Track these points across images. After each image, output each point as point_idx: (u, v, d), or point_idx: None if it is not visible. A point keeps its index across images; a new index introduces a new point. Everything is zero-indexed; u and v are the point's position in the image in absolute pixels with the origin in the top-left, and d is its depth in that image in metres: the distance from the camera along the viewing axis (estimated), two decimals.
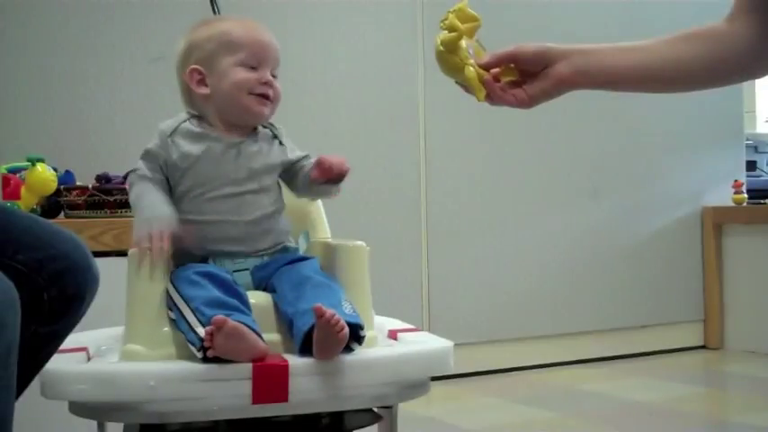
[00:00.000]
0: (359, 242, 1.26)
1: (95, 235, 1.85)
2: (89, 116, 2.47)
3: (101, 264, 1.82)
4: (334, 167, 1.22)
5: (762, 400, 2.66)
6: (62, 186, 1.95)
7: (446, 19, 1.14)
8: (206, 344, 1.05)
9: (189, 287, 1.13)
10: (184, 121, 1.27)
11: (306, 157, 1.31)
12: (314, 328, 1.08)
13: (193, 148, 1.24)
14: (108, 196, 1.92)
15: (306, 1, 2.76)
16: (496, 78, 1.13)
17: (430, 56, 2.94)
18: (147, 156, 1.27)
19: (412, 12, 2.96)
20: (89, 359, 1.18)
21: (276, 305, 1.18)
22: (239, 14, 1.31)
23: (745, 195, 3.43)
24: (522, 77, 1.14)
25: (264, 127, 1.30)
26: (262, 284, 1.23)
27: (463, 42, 1.12)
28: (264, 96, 1.26)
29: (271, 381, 1.06)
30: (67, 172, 2.06)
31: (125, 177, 1.99)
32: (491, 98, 1.14)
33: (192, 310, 1.10)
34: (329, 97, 2.78)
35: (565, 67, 1.13)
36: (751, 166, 3.72)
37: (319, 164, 1.23)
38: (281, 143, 1.30)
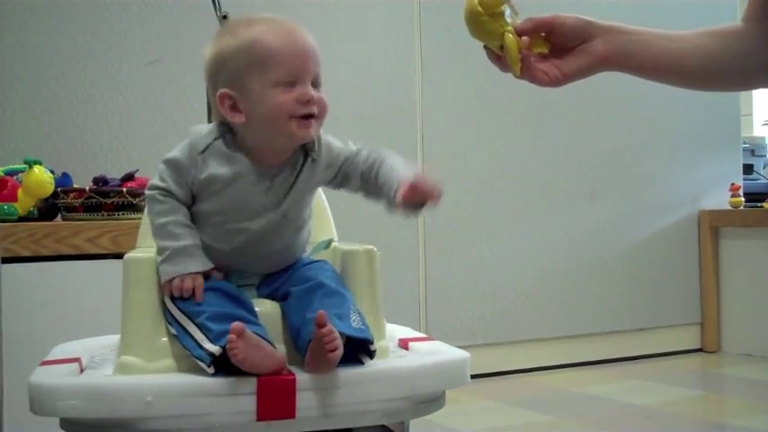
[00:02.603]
0: (369, 246, 1.19)
1: (92, 237, 1.85)
2: (86, 119, 2.47)
3: (97, 266, 1.83)
4: (428, 195, 1.09)
5: (759, 403, 2.66)
6: (59, 189, 1.95)
7: None
8: (234, 351, 0.97)
9: (191, 302, 1.07)
10: (217, 138, 1.11)
11: (358, 153, 1.18)
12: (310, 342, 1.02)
13: (223, 173, 1.10)
14: (105, 198, 1.92)
15: (304, 4, 2.76)
16: (527, 49, 1.04)
17: (428, 58, 2.97)
18: (176, 168, 1.11)
19: (410, 14, 2.97)
20: (82, 371, 1.11)
21: (284, 314, 1.11)
22: (265, 12, 1.15)
23: (742, 198, 3.44)
24: (552, 51, 1.07)
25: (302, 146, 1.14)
26: (269, 294, 1.16)
27: (504, 7, 1.02)
28: (309, 117, 1.08)
29: (277, 396, 1.00)
30: (65, 174, 2.06)
31: (123, 180, 2.01)
32: (524, 73, 1.06)
33: (198, 326, 1.04)
34: (327, 99, 2.78)
35: (604, 45, 1.07)
36: (748, 169, 3.73)
37: (412, 188, 1.08)
38: (314, 159, 1.15)
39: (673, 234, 3.45)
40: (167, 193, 1.10)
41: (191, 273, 1.07)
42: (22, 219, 1.87)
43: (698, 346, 3.47)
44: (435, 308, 2.96)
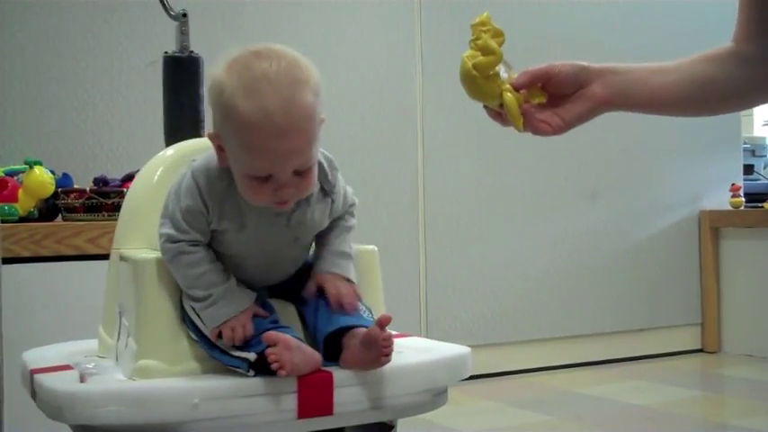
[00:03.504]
0: (370, 246, 1.20)
1: (93, 238, 1.85)
2: (86, 119, 2.47)
3: (98, 267, 1.83)
4: (341, 305, 1.05)
5: (759, 403, 2.66)
6: (60, 189, 1.95)
7: (478, 38, 1.02)
8: (275, 365, 0.94)
9: None
10: (229, 183, 1.01)
11: (343, 217, 1.12)
12: (339, 334, 1.02)
13: (235, 221, 1.03)
14: (105, 199, 1.92)
15: (304, 4, 2.76)
16: (525, 101, 1.05)
17: (428, 59, 2.97)
18: (196, 215, 1.02)
19: (410, 15, 2.97)
20: (82, 379, 1.05)
21: (299, 314, 1.10)
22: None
23: (743, 199, 3.44)
24: (551, 100, 1.07)
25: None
26: (281, 295, 1.12)
27: (498, 66, 1.03)
28: (283, 203, 1.00)
29: (316, 393, 1.00)
30: (65, 175, 2.06)
31: (123, 181, 2.01)
32: (526, 127, 1.06)
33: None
34: (328, 101, 2.77)
35: (601, 89, 1.06)
36: (748, 169, 3.73)
37: (324, 291, 1.06)
38: (332, 201, 1.09)
39: (673, 234, 3.45)
40: (195, 242, 1.03)
41: (239, 313, 1.02)
42: (22, 219, 1.87)
43: (698, 347, 3.48)
44: (435, 308, 2.96)
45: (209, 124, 1.09)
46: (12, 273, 1.67)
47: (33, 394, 1.07)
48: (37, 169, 1.86)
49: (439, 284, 2.97)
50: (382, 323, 0.98)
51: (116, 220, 1.88)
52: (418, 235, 2.96)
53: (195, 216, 1.02)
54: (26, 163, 1.88)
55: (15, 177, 1.91)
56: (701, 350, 3.47)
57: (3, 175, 1.92)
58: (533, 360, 3.11)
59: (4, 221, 1.81)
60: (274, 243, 1.06)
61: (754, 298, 3.34)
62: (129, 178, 2.02)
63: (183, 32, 1.91)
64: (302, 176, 0.99)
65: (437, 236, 2.98)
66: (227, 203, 1.02)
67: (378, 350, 0.99)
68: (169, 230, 1.03)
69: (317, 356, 1.00)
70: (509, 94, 1.03)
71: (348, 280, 1.09)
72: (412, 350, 1.16)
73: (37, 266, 1.79)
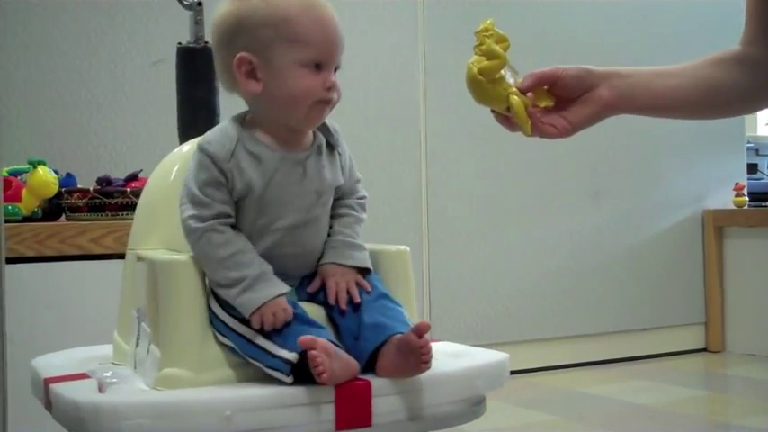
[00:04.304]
0: (401, 246, 1.13)
1: (96, 238, 1.85)
2: (90, 119, 2.48)
3: (102, 267, 1.83)
4: (335, 299, 1.04)
5: (763, 403, 2.65)
6: (63, 189, 1.95)
7: (482, 44, 1.03)
8: (319, 369, 0.90)
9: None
10: (238, 140, 1.02)
11: (353, 189, 1.12)
12: (385, 345, 0.96)
13: (257, 174, 1.01)
14: (109, 199, 1.92)
15: None
16: (532, 105, 1.06)
17: (431, 57, 2.97)
18: (216, 186, 1.01)
19: (413, 13, 2.97)
20: (101, 389, 0.99)
21: (330, 318, 1.04)
22: None
23: (746, 198, 3.44)
24: (557, 103, 1.07)
25: (319, 129, 1.09)
26: (309, 298, 1.07)
27: (504, 70, 1.03)
28: (328, 103, 1.03)
29: (354, 403, 0.94)
30: (69, 174, 2.06)
31: (127, 181, 2.01)
32: (533, 130, 1.06)
33: (263, 335, 0.96)
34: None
35: (608, 92, 1.07)
36: (752, 168, 3.72)
37: (326, 285, 1.05)
38: (339, 153, 1.10)
39: (677, 234, 3.45)
40: (222, 218, 1.01)
41: (277, 296, 0.98)
42: (26, 219, 1.87)
43: (702, 346, 3.47)
44: (439, 308, 2.96)
45: (224, 119, 1.07)
46: (15, 272, 1.67)
47: (48, 404, 1.02)
48: (40, 169, 1.87)
49: (442, 284, 2.97)
50: (421, 331, 0.94)
51: (120, 219, 1.90)
52: (421, 235, 2.96)
53: (214, 186, 1.00)
54: (30, 163, 1.88)
55: (19, 177, 1.91)
56: (704, 349, 3.47)
57: (6, 174, 1.93)
58: (536, 360, 3.11)
59: (7, 221, 1.81)
60: (299, 198, 1.04)
61: (758, 297, 3.33)
62: (132, 178, 2.02)
63: (198, 22, 1.81)
64: (337, 83, 1.03)
65: (440, 235, 2.98)
66: (243, 160, 1.01)
67: (417, 357, 0.94)
68: (192, 211, 1.00)
69: (354, 364, 0.95)
70: (516, 97, 1.03)
71: (359, 270, 1.06)
72: (446, 356, 1.10)
73: (40, 266, 1.79)
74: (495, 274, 3.06)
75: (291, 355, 0.93)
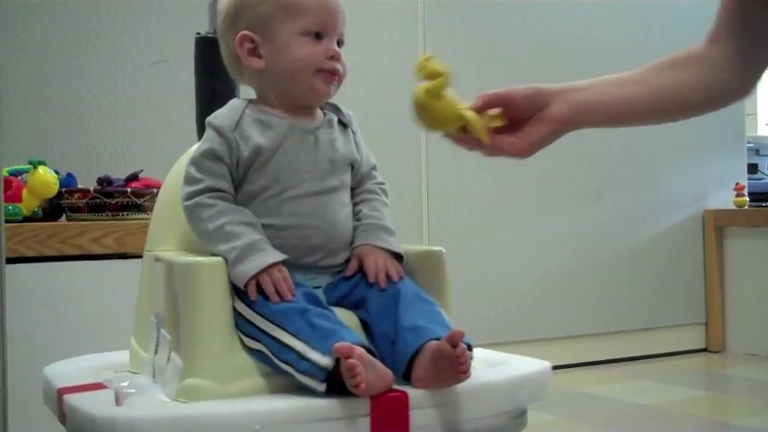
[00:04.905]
0: (436, 247, 1.09)
1: (97, 238, 1.85)
2: (90, 119, 2.48)
3: (102, 267, 1.83)
4: (375, 278, 1.00)
5: (763, 403, 2.65)
6: (63, 189, 1.95)
7: (423, 68, 1.02)
8: (357, 379, 0.84)
9: (280, 309, 0.92)
10: (244, 110, 1.02)
11: (371, 174, 1.12)
12: (420, 353, 0.90)
13: (265, 140, 1.00)
14: (109, 199, 1.92)
15: None
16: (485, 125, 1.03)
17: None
18: (213, 159, 0.99)
19: (414, 12, 2.97)
20: (118, 400, 0.94)
21: (363, 323, 0.99)
22: None
23: (747, 198, 3.43)
24: (510, 124, 1.05)
25: (329, 109, 1.08)
26: (337, 301, 1.02)
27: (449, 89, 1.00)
28: (332, 73, 1.02)
29: (391, 416, 0.87)
30: (69, 175, 2.06)
31: (127, 181, 2.01)
32: (491, 148, 1.04)
33: (294, 335, 0.89)
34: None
35: (562, 107, 1.04)
36: (752, 168, 3.72)
37: (363, 266, 1.01)
38: (353, 131, 1.10)
39: (677, 234, 3.44)
40: (212, 191, 0.98)
41: (272, 264, 0.94)
42: (26, 219, 1.87)
43: (702, 346, 3.47)
44: None
45: None
46: (16, 272, 1.67)
47: (62, 417, 0.96)
48: (41, 169, 1.87)
49: None
50: (455, 340, 0.87)
51: (120, 219, 1.90)
52: (422, 235, 2.95)
53: (211, 159, 0.99)
54: (30, 163, 1.88)
55: (19, 177, 1.91)
56: (704, 350, 3.46)
57: (7, 175, 1.93)
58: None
59: (8, 221, 1.81)
60: (312, 166, 1.02)
61: (759, 297, 3.33)
62: (133, 178, 2.03)
63: (216, 12, 1.81)
64: (341, 54, 1.03)
65: (441, 235, 2.98)
66: (250, 128, 1.00)
67: (454, 367, 0.88)
68: (185, 189, 0.99)
69: (389, 374, 0.89)
70: (470, 111, 1.01)
71: (393, 254, 1.03)
72: (484, 364, 1.04)
73: (41, 266, 1.79)
74: (496, 274, 3.06)
75: (326, 361, 0.86)
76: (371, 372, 0.86)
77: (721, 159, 3.56)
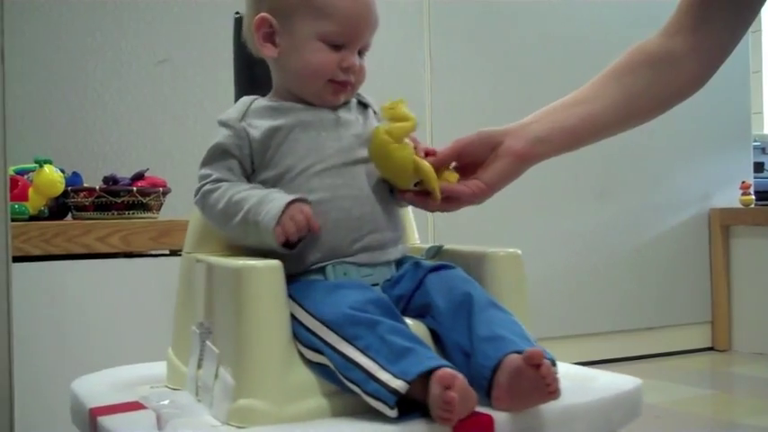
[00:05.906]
0: (513, 249, 1.01)
1: (103, 236, 1.85)
2: (96, 118, 2.48)
3: (108, 265, 1.84)
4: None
5: None
6: (69, 188, 1.95)
7: (392, 108, 1.00)
8: (448, 415, 0.75)
9: (348, 319, 0.82)
10: (252, 102, 0.98)
11: None
12: (498, 371, 0.81)
13: (279, 120, 0.95)
14: (115, 198, 1.93)
15: None
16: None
17: (436, 57, 2.97)
18: (221, 153, 0.95)
19: (418, 13, 2.96)
20: (160, 423, 0.82)
21: (432, 332, 0.89)
22: None
23: (753, 197, 3.42)
24: (467, 173, 1.02)
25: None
26: (399, 306, 0.91)
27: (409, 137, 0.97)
28: (342, 84, 1.00)
29: None
30: (75, 173, 2.07)
31: (133, 180, 2.01)
32: (445, 197, 0.98)
33: (362, 351, 0.79)
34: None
35: (518, 143, 1.02)
36: (759, 167, 3.71)
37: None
38: (374, 111, 1.07)
39: (683, 233, 3.44)
40: (218, 179, 0.94)
41: (289, 203, 0.87)
42: (32, 218, 1.87)
43: (708, 345, 3.46)
44: None
45: None
46: (22, 271, 1.68)
47: None
48: (47, 168, 1.87)
49: None
50: (533, 361, 0.79)
51: (126, 218, 1.91)
52: (427, 234, 2.95)
53: (220, 153, 0.95)
54: (36, 162, 1.89)
55: (25, 176, 1.92)
56: (711, 348, 3.46)
57: (13, 173, 1.93)
58: None
59: (14, 220, 1.82)
60: (337, 141, 0.97)
61: (765, 296, 3.32)
62: (138, 177, 2.03)
63: None
64: (362, 58, 1.02)
65: (445, 235, 2.97)
66: (258, 116, 0.96)
67: (541, 387, 0.80)
68: (197, 186, 0.96)
69: (473, 395, 0.79)
70: (424, 162, 0.98)
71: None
72: (569, 381, 0.91)
73: (47, 265, 1.80)
74: None
75: (398, 383, 0.76)
76: (464, 395, 0.77)
77: (727, 158, 3.55)
